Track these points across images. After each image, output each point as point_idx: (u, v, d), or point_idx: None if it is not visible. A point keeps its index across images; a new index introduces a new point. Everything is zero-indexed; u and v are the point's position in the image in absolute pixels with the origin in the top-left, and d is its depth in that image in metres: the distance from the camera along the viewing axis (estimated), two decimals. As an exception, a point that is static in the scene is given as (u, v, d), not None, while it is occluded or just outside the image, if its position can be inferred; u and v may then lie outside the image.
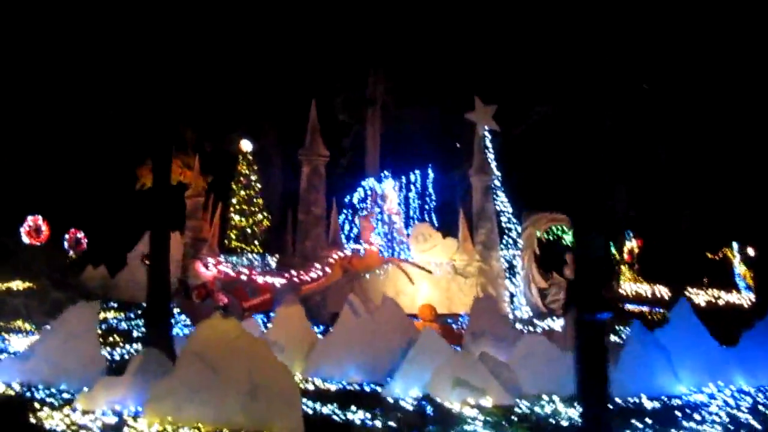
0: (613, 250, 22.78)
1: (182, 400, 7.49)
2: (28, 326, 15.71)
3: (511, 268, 18.26)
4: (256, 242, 19.11)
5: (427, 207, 22.80)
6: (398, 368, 8.90)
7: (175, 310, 12.60)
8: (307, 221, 16.90)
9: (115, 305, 20.69)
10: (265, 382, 7.35)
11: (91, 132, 22.64)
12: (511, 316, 17.36)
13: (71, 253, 26.00)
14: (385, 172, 20.64)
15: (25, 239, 24.38)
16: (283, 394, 7.32)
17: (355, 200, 21.06)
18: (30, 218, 24.55)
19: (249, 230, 18.74)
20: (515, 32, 22.86)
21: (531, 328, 15.97)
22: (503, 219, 18.58)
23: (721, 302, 16.35)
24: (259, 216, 19.21)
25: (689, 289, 18.26)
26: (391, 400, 8.42)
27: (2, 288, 17.77)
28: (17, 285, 21.36)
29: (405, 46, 24.54)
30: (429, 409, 7.47)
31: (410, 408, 7.90)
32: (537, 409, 6.91)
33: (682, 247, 22.74)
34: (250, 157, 19.71)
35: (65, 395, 8.63)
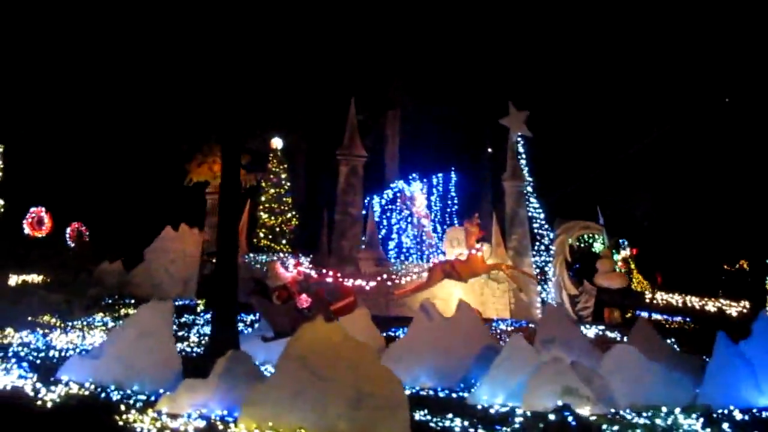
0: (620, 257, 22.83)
1: (282, 405, 7.26)
2: (58, 322, 15.38)
3: (543, 274, 18.26)
4: (284, 241, 18.83)
5: (448, 210, 22.78)
6: (484, 375, 8.78)
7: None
8: (344, 221, 16.75)
9: (132, 301, 20.42)
10: (371, 388, 7.16)
11: (107, 126, 22.20)
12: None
13: (73, 246, 25.54)
14: (414, 174, 20.55)
15: (27, 230, 23.89)
16: (390, 400, 7.14)
17: (377, 202, 20.96)
18: (33, 210, 24.01)
19: (278, 229, 18.45)
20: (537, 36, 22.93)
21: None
22: (535, 225, 18.60)
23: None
24: (288, 215, 18.93)
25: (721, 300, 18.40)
26: (480, 407, 8.31)
27: (34, 282, 17.33)
28: (33, 278, 20.97)
29: (425, 48, 24.49)
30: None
31: (494, 412, 7.82)
32: (658, 421, 6.83)
33: (699, 257, 23.02)
34: (280, 155, 19.45)
35: (140, 396, 8.37)
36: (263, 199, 19.23)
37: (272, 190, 19.09)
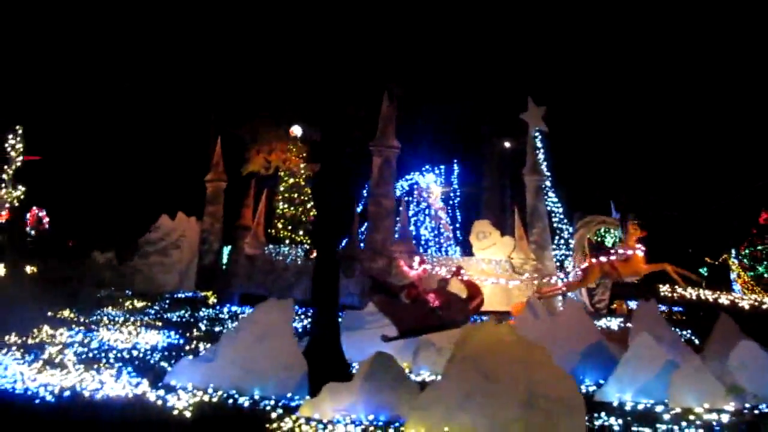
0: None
1: (453, 408, 7.01)
2: (82, 318, 14.33)
3: (562, 267, 18.57)
4: (301, 232, 18.27)
5: (451, 202, 22.81)
6: (611, 372, 8.83)
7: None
8: (377, 213, 16.40)
9: (129, 293, 19.34)
10: (545, 390, 7.01)
11: (99, 109, 20.82)
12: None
13: (33, 232, 23.96)
14: (427, 166, 20.38)
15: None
16: (565, 402, 7.01)
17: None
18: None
19: (297, 219, 17.86)
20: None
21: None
22: (554, 219, 18.86)
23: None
24: (308, 205, 18.34)
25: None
26: (615, 404, 8.35)
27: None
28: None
29: (422, 45, 24.25)
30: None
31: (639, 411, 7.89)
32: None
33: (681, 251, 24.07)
34: (300, 144, 18.80)
35: (269, 402, 7.89)
36: (282, 188, 18.55)
37: (291, 180, 18.43)
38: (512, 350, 7.21)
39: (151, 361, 9.81)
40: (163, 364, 9.69)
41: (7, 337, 10.62)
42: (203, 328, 14.31)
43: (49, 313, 13.96)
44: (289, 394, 8.13)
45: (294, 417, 7.35)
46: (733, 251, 23.55)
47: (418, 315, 9.01)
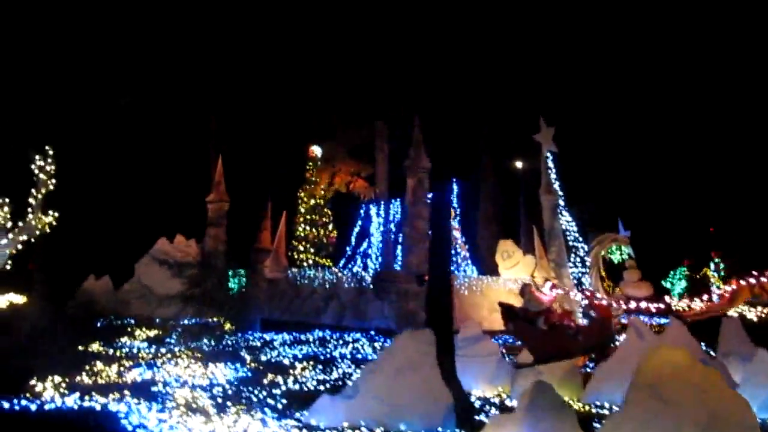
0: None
1: (636, 436, 7.00)
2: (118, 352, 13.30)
3: (579, 284, 18.95)
4: (323, 253, 17.75)
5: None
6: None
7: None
8: (412, 235, 16.22)
9: (132, 321, 18.21)
10: (723, 413, 7.10)
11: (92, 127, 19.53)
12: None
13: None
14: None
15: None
16: (742, 424, 7.13)
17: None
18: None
19: (317, 241, 17.34)
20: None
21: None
22: (570, 238, 19.26)
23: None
24: (330, 226, 17.85)
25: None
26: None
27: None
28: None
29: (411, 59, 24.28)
30: None
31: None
32: None
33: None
34: (320, 163, 18.29)
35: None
36: (302, 210, 17.95)
37: (312, 201, 17.89)
38: (689, 375, 7.26)
39: (258, 398, 9.19)
40: (270, 401, 9.11)
41: (79, 378, 9.69)
42: (249, 357, 13.62)
43: (80, 348, 12.92)
44: (439, 429, 7.86)
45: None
46: (712, 264, 24.97)
47: (557, 341, 8.91)
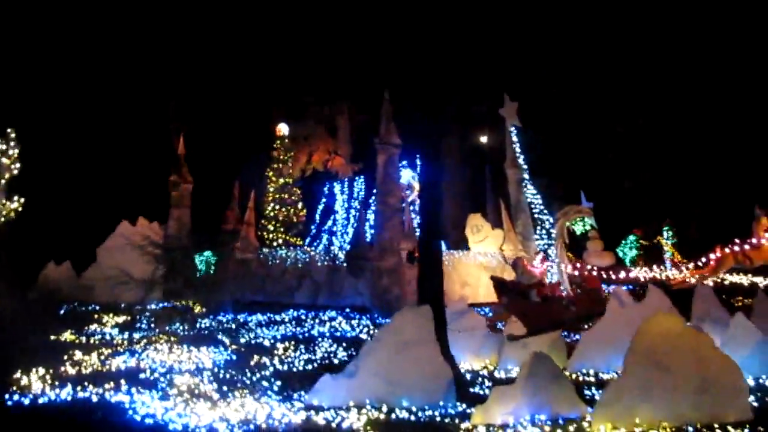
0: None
1: (635, 401, 7.29)
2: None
3: (546, 256, 19.34)
4: (292, 231, 17.54)
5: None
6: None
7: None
8: (383, 212, 16.19)
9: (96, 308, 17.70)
10: (715, 375, 7.45)
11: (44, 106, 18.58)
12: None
13: None
14: (404, 162, 20.28)
15: None
16: (733, 385, 7.50)
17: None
18: None
19: (289, 221, 17.12)
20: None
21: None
22: (535, 210, 19.60)
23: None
24: (299, 205, 17.61)
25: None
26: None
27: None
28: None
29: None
30: None
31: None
32: None
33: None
34: (288, 142, 17.94)
35: (421, 412, 7.68)
36: (271, 189, 17.64)
37: (280, 180, 17.60)
38: (683, 341, 7.58)
39: (251, 381, 9.09)
40: (264, 383, 9.03)
41: (63, 369, 9.36)
42: (227, 340, 13.41)
43: (52, 337, 12.47)
44: (441, 402, 7.97)
45: (471, 425, 7.25)
46: (665, 232, 25.94)
47: (552, 312, 9.10)
